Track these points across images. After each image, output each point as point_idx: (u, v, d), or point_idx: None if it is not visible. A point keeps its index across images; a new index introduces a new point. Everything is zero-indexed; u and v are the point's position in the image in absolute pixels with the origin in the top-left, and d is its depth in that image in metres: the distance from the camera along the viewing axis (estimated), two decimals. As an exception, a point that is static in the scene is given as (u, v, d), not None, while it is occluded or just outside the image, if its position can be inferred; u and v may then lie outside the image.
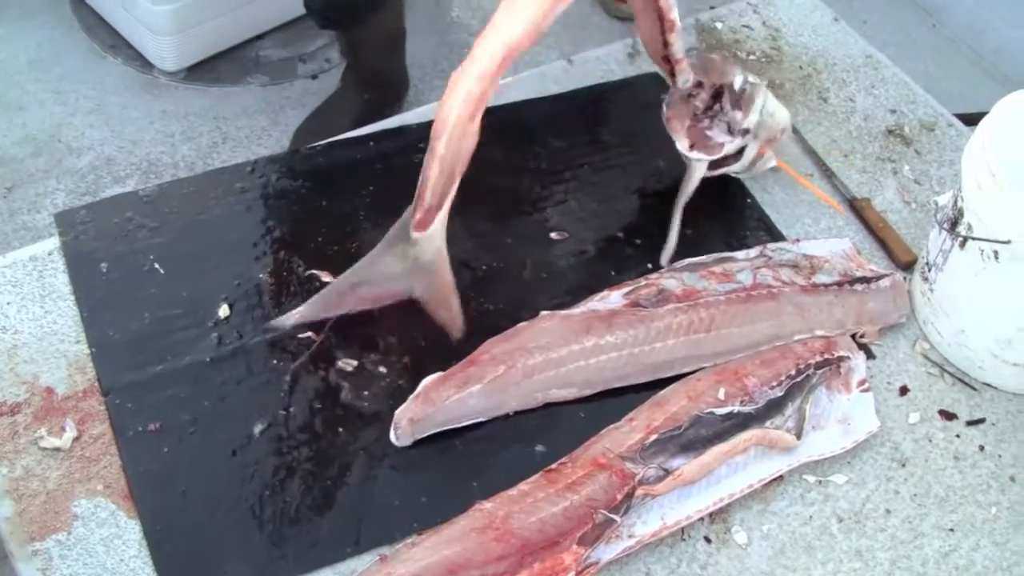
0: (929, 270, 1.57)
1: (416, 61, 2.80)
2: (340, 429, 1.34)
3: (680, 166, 1.69)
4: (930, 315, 1.58)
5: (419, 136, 1.66)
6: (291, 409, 1.35)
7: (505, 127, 1.74)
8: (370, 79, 2.56)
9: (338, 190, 1.63)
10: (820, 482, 1.40)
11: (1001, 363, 1.51)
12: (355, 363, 1.40)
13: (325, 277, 1.49)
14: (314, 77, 2.78)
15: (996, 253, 1.40)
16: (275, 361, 1.39)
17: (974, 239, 1.42)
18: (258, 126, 2.73)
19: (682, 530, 1.30)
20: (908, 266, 1.68)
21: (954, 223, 1.47)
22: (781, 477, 1.37)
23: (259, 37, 2.93)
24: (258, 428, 1.32)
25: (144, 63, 2.89)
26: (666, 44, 1.53)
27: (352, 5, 2.32)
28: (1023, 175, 1.40)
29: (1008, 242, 1.36)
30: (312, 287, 1.48)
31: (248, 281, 1.49)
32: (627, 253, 1.62)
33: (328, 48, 2.81)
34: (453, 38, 2.86)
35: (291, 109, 2.67)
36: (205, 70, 2.88)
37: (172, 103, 2.83)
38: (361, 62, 2.52)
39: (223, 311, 1.44)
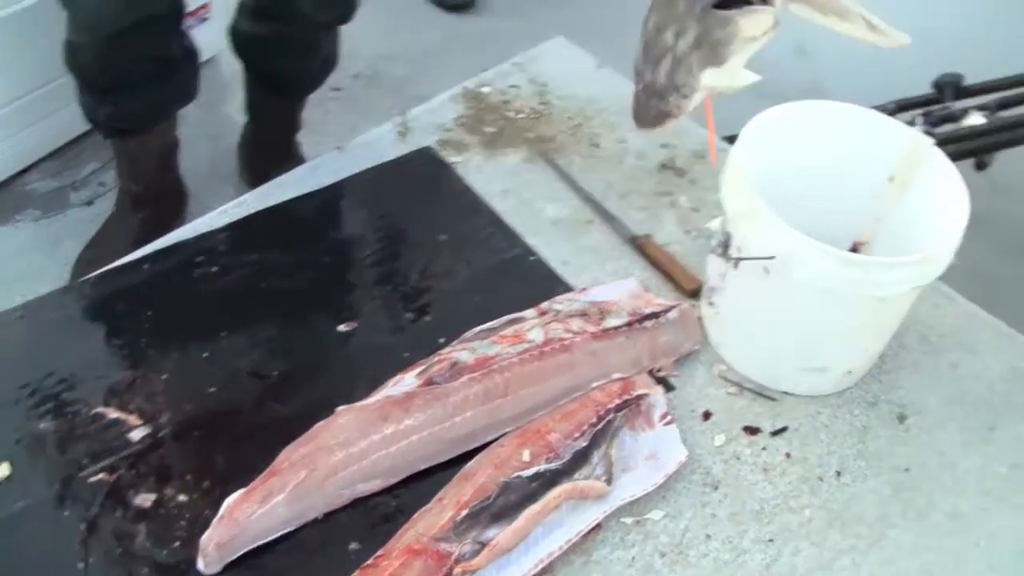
0: (713, 294, 1.65)
1: (192, 170, 2.80)
2: (145, 570, 1.32)
3: (466, 240, 1.78)
4: (721, 337, 1.66)
5: (195, 251, 1.70)
6: (90, 560, 1.32)
7: (281, 227, 1.79)
8: (146, 196, 2.55)
9: (117, 319, 1.63)
10: (638, 522, 1.45)
11: (792, 371, 1.61)
12: (153, 497, 1.40)
13: (112, 414, 1.49)
14: (89, 203, 2.75)
15: (767, 269, 1.48)
16: (66, 513, 1.37)
17: (744, 259, 1.51)
18: (35, 264, 2.66)
19: (508, 598, 1.34)
20: (694, 293, 1.76)
21: (726, 246, 1.56)
22: (599, 525, 1.42)
23: (25, 170, 2.88)
24: (56, 587, 1.30)
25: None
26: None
27: (139, 114, 2.32)
28: (776, 191, 1.49)
29: (773, 257, 1.45)
30: (100, 426, 1.48)
31: (28, 434, 1.46)
32: (417, 332, 1.66)
33: (102, 172, 2.79)
34: (229, 142, 2.87)
35: (68, 240, 2.63)
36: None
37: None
38: (137, 177, 2.51)
39: (3, 471, 1.42)
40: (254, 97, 2.64)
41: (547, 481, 1.38)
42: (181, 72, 2.32)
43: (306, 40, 2.39)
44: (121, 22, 2.04)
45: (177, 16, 2.21)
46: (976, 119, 2.18)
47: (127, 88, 2.21)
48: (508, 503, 1.35)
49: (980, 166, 2.22)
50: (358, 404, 1.47)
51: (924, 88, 2.38)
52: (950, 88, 2.32)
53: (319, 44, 2.44)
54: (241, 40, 2.47)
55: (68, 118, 2.74)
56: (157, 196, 2.58)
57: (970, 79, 2.33)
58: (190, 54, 2.32)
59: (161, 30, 2.19)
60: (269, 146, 2.72)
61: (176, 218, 2.63)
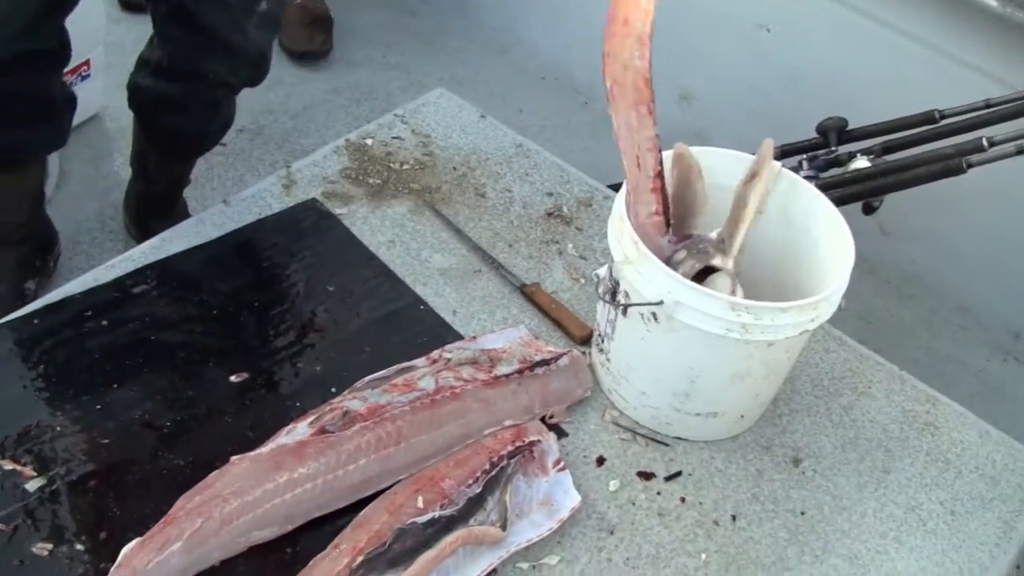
0: (603, 341, 1.70)
1: (80, 225, 2.81)
2: (40, 622, 1.34)
3: (355, 291, 1.83)
4: (612, 383, 1.72)
5: (84, 305, 1.72)
6: (-12, 611, 1.35)
7: (168, 280, 1.82)
8: (17, 235, 2.53)
9: (8, 372, 1.64)
10: (534, 567, 1.49)
11: (684, 415, 1.66)
12: (51, 547, 1.41)
13: (7, 466, 1.50)
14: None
15: (654, 315, 1.54)
16: (-38, 565, 1.39)
17: (632, 305, 1.56)
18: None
19: (405, 646, 1.37)
20: (585, 340, 1.82)
21: (613, 293, 1.61)
22: (495, 570, 1.45)
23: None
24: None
25: None
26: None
27: (12, 150, 2.31)
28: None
29: (660, 303, 1.50)
30: (-11, 484, 1.49)
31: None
32: (308, 382, 1.69)
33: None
34: (115, 197, 2.87)
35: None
36: None
37: None
38: (7, 215, 2.49)
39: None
40: (145, 154, 2.63)
41: (442, 527, 1.42)
42: (58, 116, 2.31)
43: (212, 100, 2.39)
44: (6, 52, 2.04)
45: (63, 57, 2.20)
46: (861, 163, 2.27)
47: (3, 122, 2.20)
48: (404, 549, 1.38)
49: (868, 210, 2.29)
50: (252, 453, 1.49)
51: (808, 133, 2.46)
52: (834, 132, 2.40)
53: (223, 105, 2.45)
54: (143, 97, 2.46)
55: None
56: (29, 235, 2.56)
57: (854, 123, 2.41)
58: (70, 99, 2.33)
59: (47, 67, 2.20)
60: (156, 201, 2.72)
61: (50, 256, 2.62)
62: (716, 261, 1.59)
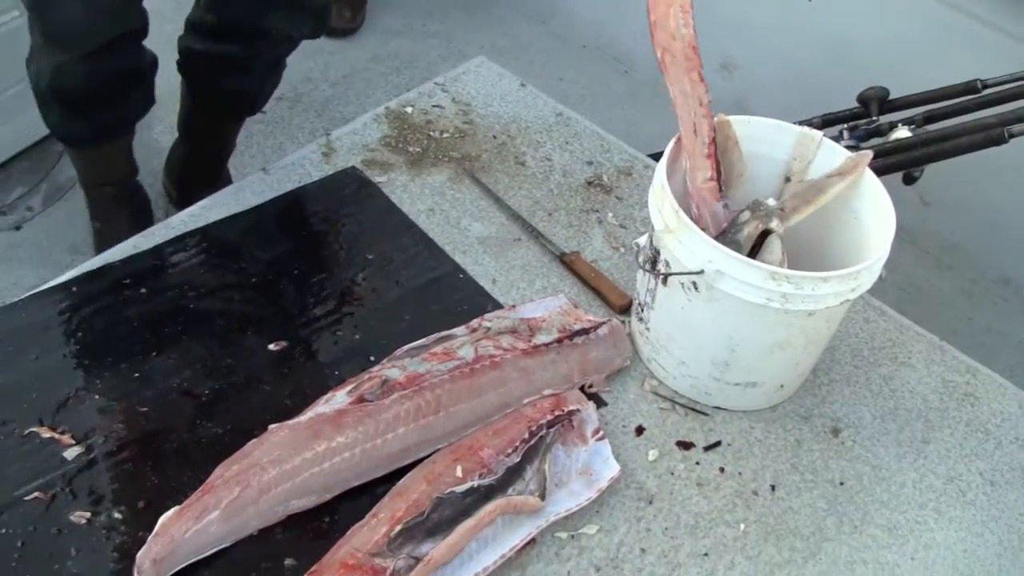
0: (643, 310, 1.69)
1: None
2: (82, 585, 1.35)
3: (394, 259, 1.83)
4: (651, 353, 1.71)
5: (123, 273, 1.73)
6: (26, 576, 1.36)
7: (207, 248, 1.82)
8: (123, 193, 2.58)
9: (47, 341, 1.64)
10: (572, 536, 1.49)
11: (724, 385, 1.65)
12: (88, 515, 1.42)
13: (45, 434, 1.51)
14: (17, 228, 2.75)
15: (695, 284, 1.53)
16: (2, 531, 1.39)
17: (672, 274, 1.55)
18: (-35, 288, 2.68)
19: (444, 613, 1.37)
20: (624, 310, 1.81)
21: (654, 262, 1.60)
22: (534, 540, 1.45)
23: (-48, 196, 2.89)
24: (-10, 608, 1.33)
25: None
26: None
27: (112, 125, 2.35)
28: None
29: (701, 272, 1.49)
30: (34, 446, 1.49)
31: (-39, 455, 1.49)
32: (347, 350, 1.69)
33: (29, 196, 2.80)
34: (154, 166, 2.88)
35: (-3, 265, 2.65)
36: None
37: None
38: (111, 180, 2.54)
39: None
40: (194, 118, 2.65)
41: (481, 496, 1.41)
42: (147, 82, 2.35)
43: (274, 58, 2.40)
44: (102, 37, 2.08)
45: (146, 28, 2.24)
46: (902, 133, 2.24)
47: (102, 102, 2.24)
48: (442, 518, 1.38)
49: (908, 180, 2.27)
50: (290, 422, 1.49)
51: (850, 102, 2.43)
52: (876, 102, 2.38)
53: (280, 62, 2.45)
54: (197, 61, 2.47)
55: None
56: (133, 191, 2.60)
57: (896, 93, 2.38)
58: (154, 63, 2.36)
59: (135, 43, 2.24)
60: (201, 166, 2.74)
61: (149, 209, 2.68)
62: (774, 224, 1.58)
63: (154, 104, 2.41)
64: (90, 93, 2.22)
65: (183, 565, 1.37)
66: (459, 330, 1.68)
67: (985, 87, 2.32)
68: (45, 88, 2.21)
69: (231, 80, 2.44)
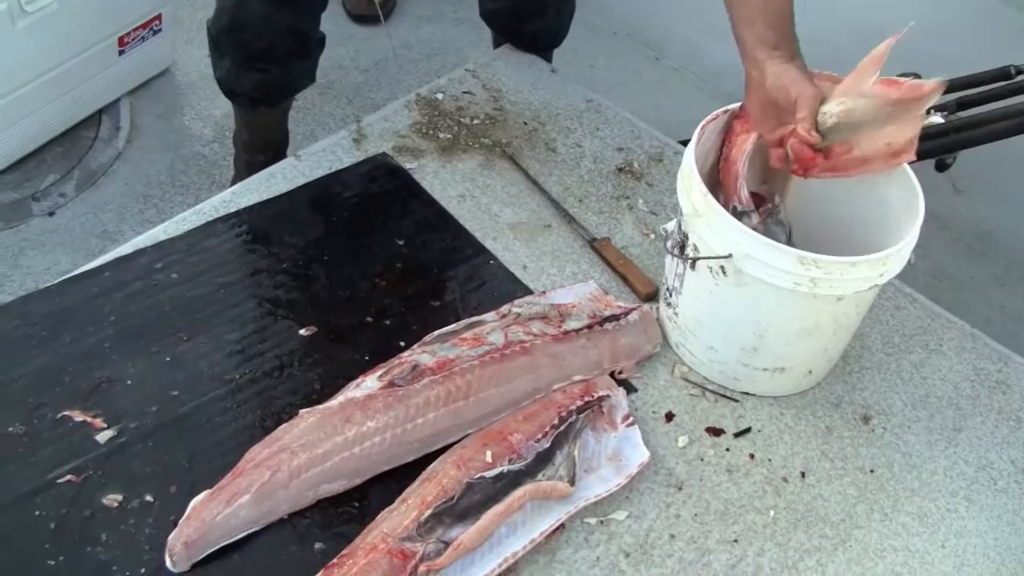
0: (671, 295, 1.69)
1: (154, 180, 2.83)
2: (113, 568, 1.35)
3: (424, 245, 1.84)
4: (680, 338, 1.70)
5: (155, 258, 1.73)
6: (60, 559, 1.35)
7: (239, 234, 1.82)
8: (271, 149, 2.60)
9: (80, 325, 1.65)
10: (602, 522, 1.49)
11: (752, 371, 1.64)
12: (120, 497, 1.42)
13: (78, 417, 1.51)
14: (51, 214, 2.76)
15: (723, 268, 1.52)
16: (36, 513, 1.40)
17: (700, 259, 1.55)
18: (-2, 275, 2.70)
19: (473, 597, 1.37)
20: (650, 297, 1.81)
21: (682, 247, 1.59)
22: (563, 525, 1.45)
23: (-14, 183, 2.91)
24: (25, 586, 1.33)
25: None
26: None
27: (279, 85, 2.38)
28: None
29: (729, 256, 1.48)
30: (66, 429, 1.50)
31: (-5, 437, 1.50)
32: (377, 336, 1.69)
33: (63, 182, 2.81)
34: (186, 151, 2.89)
35: (31, 251, 2.64)
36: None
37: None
38: (265, 147, 2.56)
39: (-27, 474, 1.44)
40: None
41: (510, 481, 1.41)
42: (314, 54, 2.38)
43: None
44: None
45: (326, 2, 2.28)
46: (935, 119, 2.22)
47: (273, 58, 2.27)
48: (472, 503, 1.38)
49: (941, 167, 2.25)
50: (320, 407, 1.50)
51: (882, 88, 2.41)
52: (907, 88, 2.36)
53: None
54: (496, 14, 2.51)
55: (29, 130, 2.77)
56: (282, 146, 2.63)
57: (927, 78, 2.36)
58: (321, 40, 2.38)
59: (314, 9, 2.28)
60: None
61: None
62: None
63: (312, 83, 2.42)
64: (261, 43, 2.24)
65: (214, 548, 1.37)
66: (489, 316, 1.67)
67: (1019, 73, 2.30)
68: (222, 28, 2.24)
69: (531, 24, 2.46)
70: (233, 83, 2.34)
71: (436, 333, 1.64)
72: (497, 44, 2.60)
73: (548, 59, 2.62)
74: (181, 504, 1.40)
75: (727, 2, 1.59)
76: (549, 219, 1.95)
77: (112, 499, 1.42)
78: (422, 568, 1.31)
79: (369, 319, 1.72)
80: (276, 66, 2.27)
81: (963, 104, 2.32)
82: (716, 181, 1.66)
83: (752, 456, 1.61)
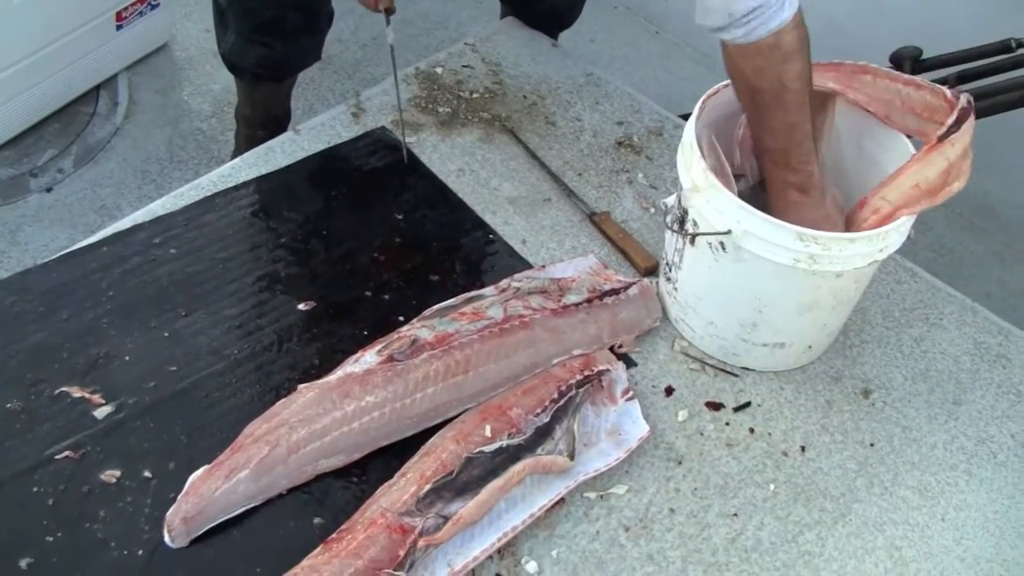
0: (671, 270, 1.68)
1: (152, 155, 2.83)
2: (112, 544, 1.35)
3: (423, 219, 1.83)
4: (680, 313, 1.70)
5: (153, 233, 1.72)
6: (58, 534, 1.35)
7: (238, 208, 1.81)
8: (272, 123, 2.59)
9: (78, 301, 1.64)
10: (601, 496, 1.48)
11: (752, 346, 1.64)
12: (119, 473, 1.42)
13: (76, 394, 1.51)
14: (48, 190, 2.75)
15: (722, 244, 1.51)
16: (34, 489, 1.39)
17: (700, 234, 1.54)
18: (-5, 250, 2.69)
19: (472, 572, 1.36)
20: (649, 272, 1.80)
21: (682, 222, 1.58)
22: (563, 499, 1.45)
23: (-17, 158, 2.90)
24: (24, 562, 1.32)
25: None
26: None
27: (283, 61, 2.37)
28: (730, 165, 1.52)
29: (728, 232, 1.47)
30: (64, 405, 1.49)
31: (-7, 414, 1.49)
32: (376, 310, 1.69)
33: (60, 158, 2.81)
34: (184, 127, 2.89)
35: (28, 226, 2.64)
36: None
37: None
38: (265, 123, 2.55)
39: (-31, 451, 1.44)
40: None
41: (510, 456, 1.41)
42: (321, 31, 2.37)
43: None
44: None
45: None
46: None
47: (280, 33, 2.26)
48: (471, 478, 1.37)
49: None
50: (319, 381, 1.49)
51: (883, 62, 2.40)
52: (908, 62, 2.35)
53: None
54: None
55: (27, 105, 2.77)
56: (283, 120, 2.62)
57: (929, 52, 2.35)
58: (330, 16, 2.37)
59: None
60: None
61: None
62: None
63: (318, 60, 2.41)
64: (270, 11, 2.22)
65: (212, 524, 1.37)
66: (488, 290, 1.67)
67: (1020, 46, 2.29)
68: (228, 3, 2.23)
69: (544, 3, 2.45)
70: (237, 58, 2.33)
71: (435, 307, 1.63)
72: (505, 16, 2.60)
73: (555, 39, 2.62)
74: (180, 480, 1.40)
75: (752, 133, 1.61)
76: (549, 193, 1.95)
77: (110, 475, 1.42)
78: (421, 542, 1.30)
79: (368, 294, 1.71)
80: (281, 41, 2.26)
81: (964, 77, 2.32)
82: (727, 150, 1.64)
83: (752, 430, 1.60)
